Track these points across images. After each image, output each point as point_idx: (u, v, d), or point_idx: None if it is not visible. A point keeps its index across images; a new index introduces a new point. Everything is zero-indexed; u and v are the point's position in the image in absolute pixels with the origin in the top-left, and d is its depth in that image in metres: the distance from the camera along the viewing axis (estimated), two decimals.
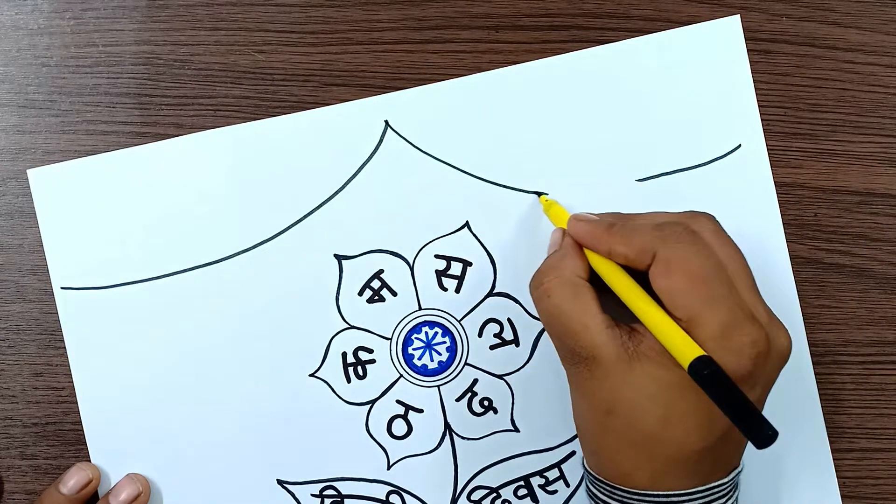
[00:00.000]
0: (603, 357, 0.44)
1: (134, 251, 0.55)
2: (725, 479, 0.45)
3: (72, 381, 0.54)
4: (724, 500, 0.45)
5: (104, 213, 0.55)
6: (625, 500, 0.45)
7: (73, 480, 0.53)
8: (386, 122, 0.55)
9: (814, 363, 0.56)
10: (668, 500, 0.44)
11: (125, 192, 0.55)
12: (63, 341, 0.55)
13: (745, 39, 0.56)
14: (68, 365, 0.54)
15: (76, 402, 0.54)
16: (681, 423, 0.43)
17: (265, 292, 0.55)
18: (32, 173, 0.55)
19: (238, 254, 0.55)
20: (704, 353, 0.40)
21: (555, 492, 0.56)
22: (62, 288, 0.55)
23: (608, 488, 0.46)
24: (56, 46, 0.56)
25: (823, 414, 0.56)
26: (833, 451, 0.56)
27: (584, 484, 0.49)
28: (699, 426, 0.43)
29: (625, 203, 0.55)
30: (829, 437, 0.56)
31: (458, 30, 0.56)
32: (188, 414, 0.55)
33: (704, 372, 0.40)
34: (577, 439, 0.55)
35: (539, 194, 0.55)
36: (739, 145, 0.55)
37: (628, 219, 0.47)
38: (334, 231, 0.55)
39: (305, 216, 0.55)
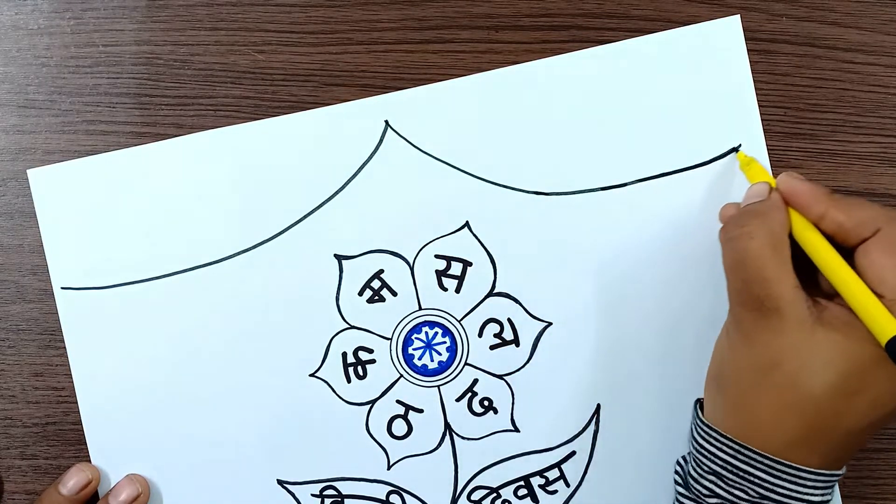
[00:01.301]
0: (788, 312, 0.44)
1: (134, 251, 0.55)
2: (842, 471, 0.45)
3: (72, 381, 0.54)
4: (830, 492, 0.45)
5: (104, 213, 0.55)
6: (755, 463, 0.44)
7: (72, 481, 0.53)
8: (386, 122, 0.55)
9: None
10: (801, 473, 0.44)
11: (125, 192, 0.55)
12: (63, 341, 0.55)
13: (746, 39, 0.56)
14: (68, 365, 0.54)
15: (76, 402, 0.54)
16: (849, 397, 0.43)
17: (265, 292, 0.55)
18: (32, 173, 0.55)
19: (238, 254, 0.55)
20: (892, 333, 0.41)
21: (555, 492, 0.56)
22: (62, 288, 0.55)
23: (736, 449, 0.45)
24: (56, 46, 0.56)
25: None
26: None
27: (690, 439, 0.49)
28: (868, 405, 0.43)
29: (625, 202, 0.55)
30: None
31: (458, 30, 0.56)
32: (188, 414, 0.55)
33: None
34: (577, 439, 0.55)
35: (735, 150, 0.55)
36: (740, 145, 0.55)
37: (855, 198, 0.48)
38: (334, 231, 0.55)
39: (305, 216, 0.55)
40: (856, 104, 0.56)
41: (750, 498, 0.45)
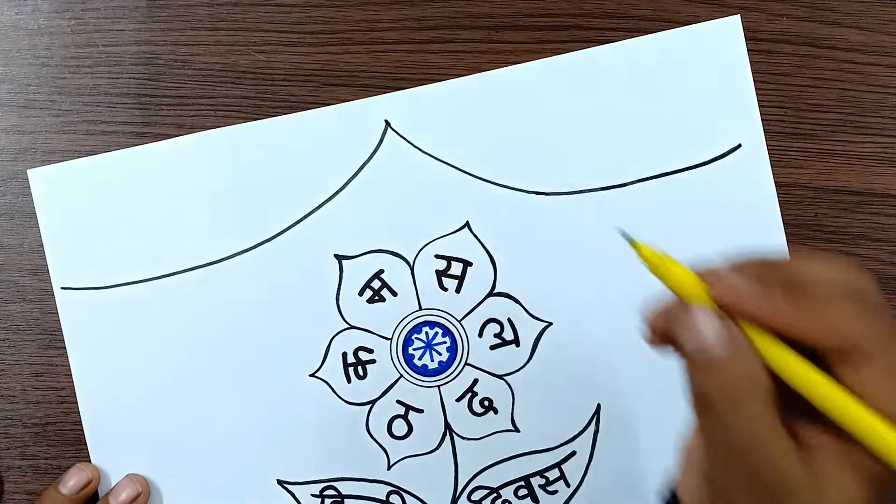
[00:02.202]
0: (800, 491, 0.32)
1: (134, 251, 0.55)
2: None
3: (72, 382, 0.54)
4: None
5: (104, 213, 0.55)
6: None
7: (73, 481, 0.53)
8: (386, 121, 0.56)
9: None
10: None
11: (125, 192, 0.55)
12: (63, 341, 0.55)
13: (746, 39, 0.56)
14: (68, 365, 0.54)
15: (76, 402, 0.54)
16: None
17: (265, 292, 0.55)
18: (32, 173, 0.55)
19: (238, 254, 0.55)
20: None
21: (555, 492, 0.56)
22: (62, 288, 0.55)
23: None
24: (56, 46, 0.56)
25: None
26: None
27: None
28: None
29: (625, 202, 0.55)
30: None
31: (458, 30, 0.56)
32: (188, 414, 0.55)
33: None
34: (577, 439, 0.55)
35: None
36: (739, 145, 0.55)
37: (796, 280, 0.33)
38: (334, 231, 0.55)
39: (306, 216, 0.55)
40: (856, 104, 0.56)
41: None
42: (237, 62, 0.56)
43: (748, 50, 0.56)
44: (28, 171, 0.55)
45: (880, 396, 0.32)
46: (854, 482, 0.32)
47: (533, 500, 0.56)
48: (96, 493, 0.54)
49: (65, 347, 0.55)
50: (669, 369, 0.56)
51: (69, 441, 0.55)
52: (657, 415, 0.55)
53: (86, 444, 0.55)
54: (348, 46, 0.56)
